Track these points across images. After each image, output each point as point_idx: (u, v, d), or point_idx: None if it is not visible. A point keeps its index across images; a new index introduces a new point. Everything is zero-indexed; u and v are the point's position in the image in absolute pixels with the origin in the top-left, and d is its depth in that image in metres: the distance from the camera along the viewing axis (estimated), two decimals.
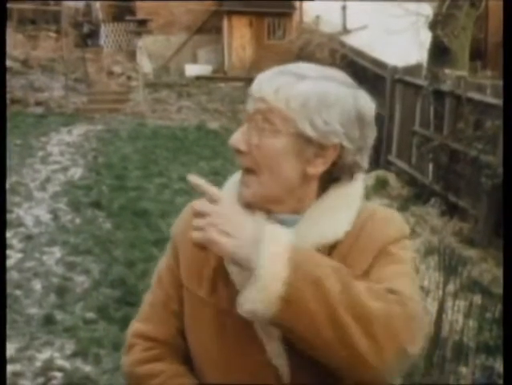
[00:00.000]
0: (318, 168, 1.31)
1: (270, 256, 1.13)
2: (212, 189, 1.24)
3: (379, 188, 9.06)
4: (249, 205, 1.33)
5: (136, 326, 1.46)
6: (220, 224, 1.18)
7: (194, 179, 1.26)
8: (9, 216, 7.24)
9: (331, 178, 1.35)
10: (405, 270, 1.29)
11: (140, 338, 1.44)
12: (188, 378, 1.39)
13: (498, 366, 3.81)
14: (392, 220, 1.40)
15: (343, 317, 1.12)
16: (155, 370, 1.39)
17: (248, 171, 1.32)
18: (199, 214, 1.20)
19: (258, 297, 1.12)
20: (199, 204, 1.22)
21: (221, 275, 1.34)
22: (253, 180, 1.31)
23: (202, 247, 1.19)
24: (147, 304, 1.47)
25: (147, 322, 1.44)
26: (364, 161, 1.35)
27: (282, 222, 1.30)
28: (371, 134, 1.35)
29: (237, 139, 1.31)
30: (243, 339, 1.30)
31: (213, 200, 1.22)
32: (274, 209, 1.33)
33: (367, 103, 1.33)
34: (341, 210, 1.34)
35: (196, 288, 1.37)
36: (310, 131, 1.27)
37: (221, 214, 1.19)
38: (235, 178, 1.43)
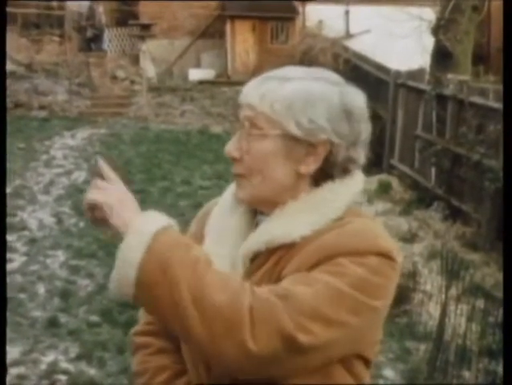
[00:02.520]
0: (310, 166, 1.34)
1: (128, 244, 1.19)
2: (114, 177, 1.29)
3: (381, 192, 9.06)
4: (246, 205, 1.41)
5: None
6: (117, 195, 1.25)
7: (101, 163, 1.30)
8: (13, 220, 7.27)
9: (324, 175, 1.36)
10: (333, 284, 1.20)
11: (144, 313, 1.55)
12: (168, 355, 1.48)
13: (501, 369, 3.81)
14: (363, 232, 1.28)
15: (184, 304, 1.15)
16: (145, 343, 1.52)
17: (241, 176, 1.37)
18: (98, 187, 1.26)
19: (117, 281, 1.21)
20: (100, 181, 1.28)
21: None
22: (246, 183, 1.36)
23: (95, 215, 1.24)
24: None
25: None
26: (360, 156, 1.36)
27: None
28: (364, 128, 1.36)
29: (231, 147, 1.38)
30: None
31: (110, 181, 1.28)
32: (266, 210, 1.38)
33: (354, 99, 1.35)
34: (307, 214, 1.32)
35: None
36: (295, 131, 1.31)
37: (120, 190, 1.27)
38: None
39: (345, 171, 1.36)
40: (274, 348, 1.15)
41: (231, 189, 1.49)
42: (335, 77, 1.37)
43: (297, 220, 1.32)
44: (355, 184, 1.37)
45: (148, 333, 1.53)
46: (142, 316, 1.57)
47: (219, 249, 1.39)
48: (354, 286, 1.21)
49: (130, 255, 1.18)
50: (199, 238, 1.46)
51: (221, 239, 1.41)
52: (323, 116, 1.31)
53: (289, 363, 1.19)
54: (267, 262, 1.33)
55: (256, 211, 1.43)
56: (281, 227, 1.32)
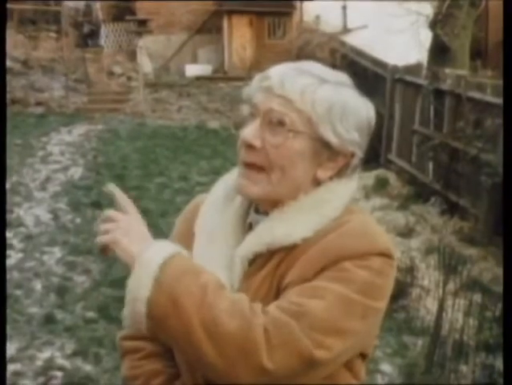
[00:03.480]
0: (328, 172, 1.32)
1: (136, 279, 1.19)
2: (125, 200, 1.30)
3: (379, 187, 9.05)
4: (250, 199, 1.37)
5: None
6: (125, 228, 1.24)
7: (111, 188, 1.31)
8: (9, 216, 7.25)
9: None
10: (343, 294, 1.20)
11: None
12: (160, 359, 1.45)
13: (498, 364, 3.81)
14: (363, 233, 1.27)
15: (196, 334, 1.15)
16: (135, 347, 1.48)
17: (255, 167, 1.31)
18: (108, 219, 1.25)
19: (129, 315, 1.21)
20: (110, 211, 1.27)
21: None
22: (262, 177, 1.30)
23: (105, 250, 1.24)
24: None
25: None
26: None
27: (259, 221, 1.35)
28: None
29: (251, 134, 1.30)
30: None
31: (123, 211, 1.27)
32: (267, 208, 1.34)
33: (373, 112, 1.35)
34: (307, 214, 1.30)
35: None
36: (331, 138, 1.28)
37: (128, 222, 1.25)
38: (227, 178, 1.44)
39: (341, 177, 1.35)
40: (291, 368, 1.16)
41: (221, 185, 1.45)
42: (352, 84, 1.36)
43: (297, 221, 1.30)
44: (351, 182, 1.36)
45: (137, 337, 1.48)
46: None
47: (212, 248, 1.37)
48: (361, 292, 1.21)
49: (139, 291, 1.18)
50: (188, 237, 1.43)
51: (214, 238, 1.38)
52: (355, 128, 1.30)
53: (305, 378, 1.19)
54: (267, 264, 1.30)
55: (248, 209, 1.40)
56: (282, 228, 1.29)
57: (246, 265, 1.32)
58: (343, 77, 1.35)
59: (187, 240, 1.42)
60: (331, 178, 1.34)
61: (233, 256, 1.33)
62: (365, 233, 1.28)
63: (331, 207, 1.31)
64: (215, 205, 1.42)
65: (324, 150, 1.30)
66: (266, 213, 1.34)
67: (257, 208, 1.38)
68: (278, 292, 1.26)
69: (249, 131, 1.30)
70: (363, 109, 1.32)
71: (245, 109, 1.36)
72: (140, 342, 1.48)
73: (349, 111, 1.29)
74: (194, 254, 1.37)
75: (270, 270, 1.29)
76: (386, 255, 1.26)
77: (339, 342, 1.19)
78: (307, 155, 1.29)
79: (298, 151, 1.28)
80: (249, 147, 1.30)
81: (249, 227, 1.38)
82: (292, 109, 1.27)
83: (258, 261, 1.31)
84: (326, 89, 1.29)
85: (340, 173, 1.34)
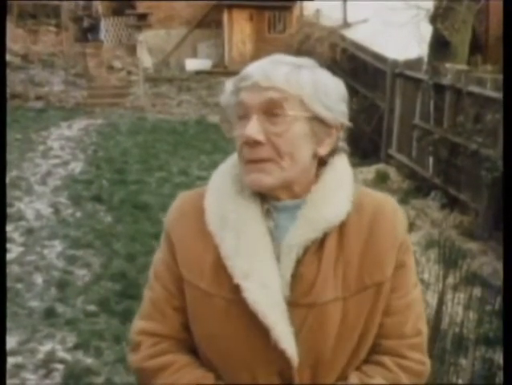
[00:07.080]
0: (326, 147, 1.39)
1: None
2: None
3: (379, 181, 9.06)
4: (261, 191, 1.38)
5: (139, 324, 1.45)
6: None
7: None
8: (10, 210, 7.26)
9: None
10: (417, 295, 1.46)
11: (145, 336, 1.43)
12: (198, 367, 1.40)
13: (498, 358, 3.82)
14: (399, 214, 1.48)
15: None
16: (166, 362, 1.39)
17: (266, 160, 1.33)
18: None
19: None
20: None
21: (222, 267, 1.35)
22: (273, 167, 1.33)
23: None
24: (148, 301, 1.46)
25: (150, 319, 1.44)
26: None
27: (285, 209, 1.37)
28: None
29: (254, 131, 1.32)
30: (248, 325, 1.32)
31: None
32: (281, 195, 1.38)
33: (343, 86, 1.43)
34: (339, 192, 1.38)
35: (197, 280, 1.38)
36: (325, 113, 1.35)
37: None
38: (224, 170, 1.47)
39: (334, 157, 1.43)
40: None
41: (218, 180, 1.45)
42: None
43: (337, 198, 1.38)
44: (344, 155, 1.45)
45: (161, 352, 1.41)
46: (137, 340, 1.44)
47: (246, 241, 1.35)
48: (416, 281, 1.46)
49: None
50: (204, 236, 1.39)
51: (241, 231, 1.35)
52: (340, 101, 1.38)
53: None
54: (325, 248, 1.35)
55: (261, 196, 1.39)
56: (329, 210, 1.36)
57: (300, 253, 1.34)
58: (311, 61, 1.42)
59: (205, 239, 1.39)
60: (330, 154, 1.41)
61: (283, 245, 1.34)
62: (399, 213, 1.47)
63: (350, 178, 1.42)
64: (224, 199, 1.40)
65: (321, 127, 1.36)
66: (279, 198, 1.38)
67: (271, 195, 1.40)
68: (345, 276, 1.35)
69: (251, 129, 1.32)
70: (338, 85, 1.40)
71: (229, 114, 1.39)
72: (169, 355, 1.41)
73: (330, 88, 1.37)
74: (227, 252, 1.35)
75: (332, 254, 1.35)
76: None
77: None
78: (308, 135, 1.35)
79: (300, 134, 1.34)
80: (255, 143, 1.32)
81: (266, 213, 1.39)
82: (284, 96, 1.32)
83: (311, 247, 1.35)
84: (305, 72, 1.35)
85: (335, 147, 1.42)
